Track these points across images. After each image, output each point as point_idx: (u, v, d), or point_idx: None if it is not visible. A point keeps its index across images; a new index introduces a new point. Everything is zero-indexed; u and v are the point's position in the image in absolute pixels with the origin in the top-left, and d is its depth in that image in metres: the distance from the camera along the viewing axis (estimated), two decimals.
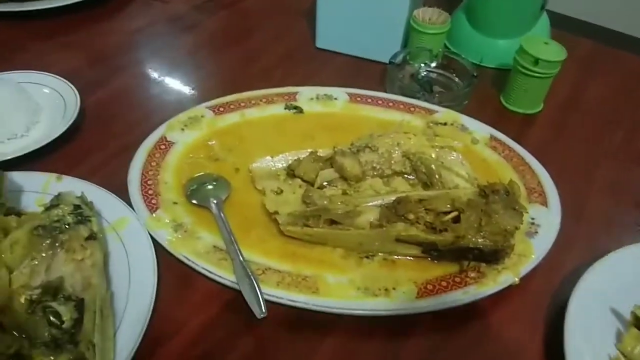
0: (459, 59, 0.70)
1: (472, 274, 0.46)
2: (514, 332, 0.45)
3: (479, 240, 0.43)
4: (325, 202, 0.48)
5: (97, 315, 0.39)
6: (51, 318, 0.38)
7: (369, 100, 0.65)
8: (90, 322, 0.39)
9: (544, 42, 0.65)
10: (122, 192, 0.51)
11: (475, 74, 0.67)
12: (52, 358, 0.36)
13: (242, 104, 0.63)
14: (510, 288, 0.46)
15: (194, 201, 0.51)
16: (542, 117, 0.69)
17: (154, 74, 0.72)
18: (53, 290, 0.40)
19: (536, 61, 0.63)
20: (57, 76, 0.65)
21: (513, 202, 0.44)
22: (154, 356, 0.42)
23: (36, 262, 0.41)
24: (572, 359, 0.40)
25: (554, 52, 0.64)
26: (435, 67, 0.72)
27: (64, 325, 0.38)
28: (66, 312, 0.38)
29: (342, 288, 0.45)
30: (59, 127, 0.58)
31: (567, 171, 0.60)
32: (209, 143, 0.59)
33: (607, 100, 0.73)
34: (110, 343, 0.39)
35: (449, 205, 0.45)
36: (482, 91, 0.71)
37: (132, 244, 0.47)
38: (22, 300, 0.39)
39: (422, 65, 0.72)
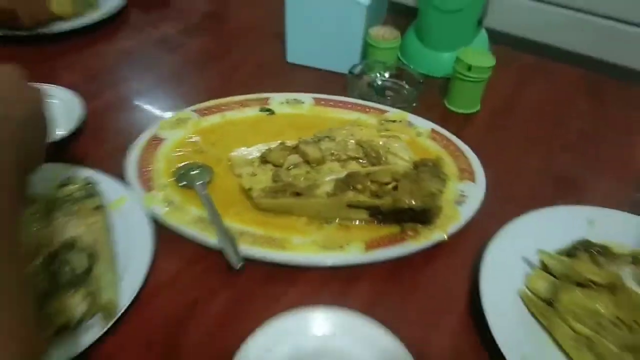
0: (409, 69, 0.82)
1: (410, 233, 0.56)
2: (444, 280, 0.55)
3: (412, 202, 0.53)
4: (290, 178, 0.58)
5: (105, 265, 0.49)
6: (67, 267, 0.48)
7: (331, 103, 0.76)
8: (99, 269, 0.48)
9: (478, 53, 0.78)
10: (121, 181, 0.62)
11: (421, 81, 0.79)
12: (72, 293, 0.45)
13: (223, 107, 0.74)
14: (441, 246, 0.57)
15: (183, 183, 0.62)
16: (479, 116, 0.81)
17: (145, 87, 0.83)
18: (69, 246, 0.49)
19: (469, 67, 0.75)
20: (63, 87, 0.75)
21: (438, 172, 0.55)
22: (150, 304, 0.51)
23: (54, 228, 0.51)
24: (486, 299, 0.50)
25: (485, 60, 0.76)
26: (389, 77, 0.84)
27: (77, 271, 0.47)
28: (80, 260, 0.48)
29: (305, 246, 0.55)
30: (64, 130, 0.68)
31: (497, 158, 0.71)
32: (194, 139, 0.69)
33: (537, 103, 0.86)
34: (115, 287, 0.49)
35: (389, 178, 0.56)
36: (429, 97, 0.83)
37: (131, 216, 0.56)
38: (43, 257, 0.49)
39: (378, 75, 0.84)
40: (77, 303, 0.46)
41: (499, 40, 0.94)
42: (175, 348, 0.48)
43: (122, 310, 0.48)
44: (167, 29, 1.00)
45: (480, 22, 0.86)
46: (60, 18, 0.91)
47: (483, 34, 0.90)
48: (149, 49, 0.93)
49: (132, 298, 0.49)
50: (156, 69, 0.88)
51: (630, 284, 0.52)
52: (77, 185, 0.55)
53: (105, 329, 0.46)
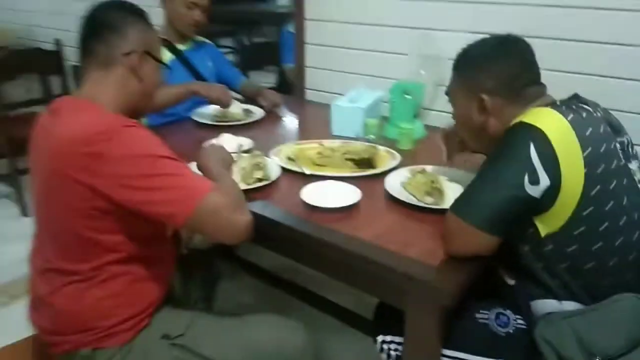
0: (382, 134, 1.94)
1: (368, 170, 1.62)
2: (375, 184, 1.58)
3: (366, 155, 1.61)
4: (327, 154, 1.68)
5: (264, 166, 1.59)
6: (257, 166, 1.57)
7: (348, 142, 1.87)
8: (264, 167, 1.58)
9: (409, 124, 1.88)
10: None
11: (383, 139, 1.89)
12: (257, 172, 1.55)
13: (303, 142, 1.87)
14: (377, 176, 1.61)
15: (289, 157, 1.73)
16: (411, 150, 1.87)
17: (275, 137, 1.99)
18: (259, 163, 1.59)
19: (402, 129, 1.85)
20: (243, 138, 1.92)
21: (377, 151, 1.63)
22: (276, 185, 1.59)
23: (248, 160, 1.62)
24: (387, 185, 1.53)
25: (410, 126, 1.86)
26: (374, 138, 1.94)
27: (259, 166, 1.57)
28: (258, 167, 1.58)
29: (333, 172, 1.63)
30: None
31: (411, 159, 1.76)
32: (292, 151, 1.81)
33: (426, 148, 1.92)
34: (269, 173, 1.57)
35: (360, 151, 1.64)
36: (391, 144, 1.91)
37: (271, 163, 1.66)
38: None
39: (368, 136, 1.95)
40: (257, 174, 1.55)
41: (431, 128, 2.05)
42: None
43: (269, 182, 1.56)
44: (287, 122, 2.22)
45: (415, 116, 1.98)
46: (239, 120, 2.16)
47: (419, 122, 2.01)
48: (278, 127, 2.15)
49: (272, 180, 1.57)
50: (281, 134, 2.07)
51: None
52: (257, 152, 1.67)
53: (264, 183, 1.54)
